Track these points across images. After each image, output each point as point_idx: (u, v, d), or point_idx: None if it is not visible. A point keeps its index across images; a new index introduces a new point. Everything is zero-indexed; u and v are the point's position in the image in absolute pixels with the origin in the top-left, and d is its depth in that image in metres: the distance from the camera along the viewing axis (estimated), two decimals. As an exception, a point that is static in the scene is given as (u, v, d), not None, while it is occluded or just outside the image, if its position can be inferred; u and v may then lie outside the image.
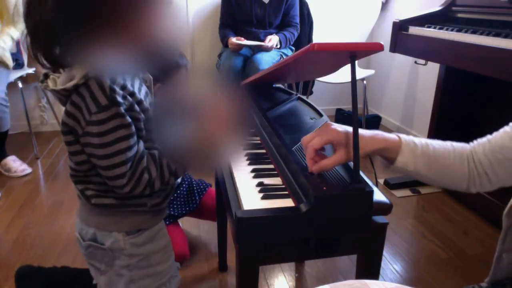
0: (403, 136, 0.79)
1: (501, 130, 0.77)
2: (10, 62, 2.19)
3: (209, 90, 1.01)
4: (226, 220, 1.37)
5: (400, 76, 2.90)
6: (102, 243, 0.83)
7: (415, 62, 2.18)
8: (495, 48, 1.45)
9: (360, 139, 0.73)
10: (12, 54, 2.39)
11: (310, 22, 2.84)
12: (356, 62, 0.91)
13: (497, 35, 1.51)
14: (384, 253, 1.33)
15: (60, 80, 0.73)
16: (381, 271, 1.33)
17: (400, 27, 1.97)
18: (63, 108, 0.74)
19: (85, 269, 0.92)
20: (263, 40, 2.54)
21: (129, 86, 0.72)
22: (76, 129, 0.72)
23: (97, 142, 0.71)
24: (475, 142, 0.80)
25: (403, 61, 2.79)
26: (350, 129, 0.77)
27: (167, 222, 1.50)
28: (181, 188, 1.57)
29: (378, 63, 3.09)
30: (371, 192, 0.70)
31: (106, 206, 0.80)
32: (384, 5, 2.95)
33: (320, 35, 2.89)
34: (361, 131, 0.76)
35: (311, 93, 3.01)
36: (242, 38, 2.52)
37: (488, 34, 1.54)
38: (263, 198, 0.75)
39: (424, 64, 2.10)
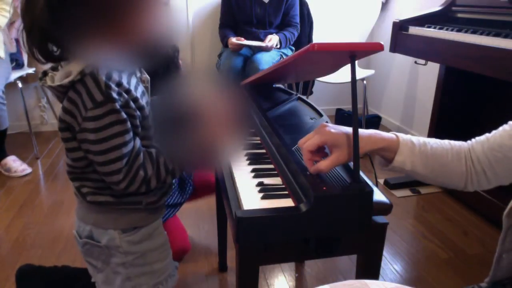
0: (401, 135, 0.78)
1: (500, 129, 0.77)
2: (1, 53, 2.17)
3: (209, 90, 1.01)
4: (226, 220, 1.37)
5: (400, 76, 2.90)
6: (98, 241, 0.83)
7: (415, 62, 2.18)
8: (495, 48, 1.45)
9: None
10: (12, 54, 2.39)
11: (310, 22, 2.84)
12: (356, 62, 0.91)
13: (497, 35, 1.51)
14: (384, 253, 1.33)
15: (57, 77, 0.73)
16: (381, 271, 1.33)
17: (400, 27, 1.98)
18: (62, 107, 0.74)
19: (86, 268, 0.92)
20: (263, 40, 2.54)
21: (124, 83, 0.73)
22: (73, 125, 0.73)
23: (93, 138, 0.71)
24: (473, 140, 0.80)
25: (403, 61, 2.79)
26: (345, 129, 0.77)
27: (167, 216, 1.49)
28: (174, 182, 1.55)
29: (378, 63, 3.09)
30: (371, 192, 0.70)
31: (102, 204, 0.80)
32: (384, 5, 2.95)
33: (320, 35, 2.89)
34: (359, 130, 0.76)
35: (311, 93, 3.01)
36: (242, 38, 2.52)
37: (488, 34, 1.54)
38: (263, 198, 0.75)
39: (424, 64, 2.10)
